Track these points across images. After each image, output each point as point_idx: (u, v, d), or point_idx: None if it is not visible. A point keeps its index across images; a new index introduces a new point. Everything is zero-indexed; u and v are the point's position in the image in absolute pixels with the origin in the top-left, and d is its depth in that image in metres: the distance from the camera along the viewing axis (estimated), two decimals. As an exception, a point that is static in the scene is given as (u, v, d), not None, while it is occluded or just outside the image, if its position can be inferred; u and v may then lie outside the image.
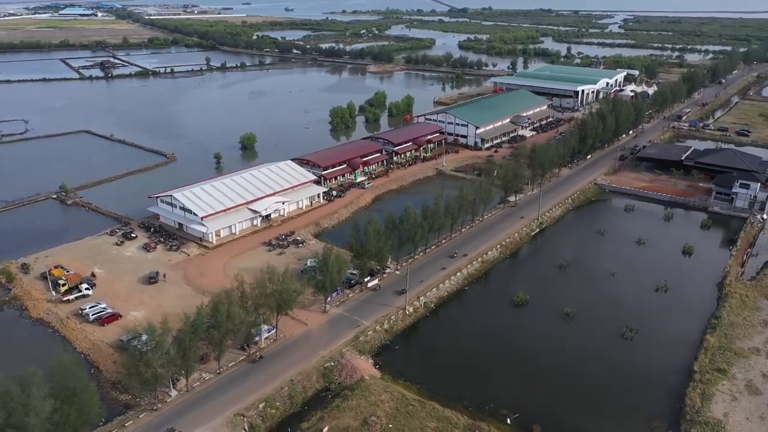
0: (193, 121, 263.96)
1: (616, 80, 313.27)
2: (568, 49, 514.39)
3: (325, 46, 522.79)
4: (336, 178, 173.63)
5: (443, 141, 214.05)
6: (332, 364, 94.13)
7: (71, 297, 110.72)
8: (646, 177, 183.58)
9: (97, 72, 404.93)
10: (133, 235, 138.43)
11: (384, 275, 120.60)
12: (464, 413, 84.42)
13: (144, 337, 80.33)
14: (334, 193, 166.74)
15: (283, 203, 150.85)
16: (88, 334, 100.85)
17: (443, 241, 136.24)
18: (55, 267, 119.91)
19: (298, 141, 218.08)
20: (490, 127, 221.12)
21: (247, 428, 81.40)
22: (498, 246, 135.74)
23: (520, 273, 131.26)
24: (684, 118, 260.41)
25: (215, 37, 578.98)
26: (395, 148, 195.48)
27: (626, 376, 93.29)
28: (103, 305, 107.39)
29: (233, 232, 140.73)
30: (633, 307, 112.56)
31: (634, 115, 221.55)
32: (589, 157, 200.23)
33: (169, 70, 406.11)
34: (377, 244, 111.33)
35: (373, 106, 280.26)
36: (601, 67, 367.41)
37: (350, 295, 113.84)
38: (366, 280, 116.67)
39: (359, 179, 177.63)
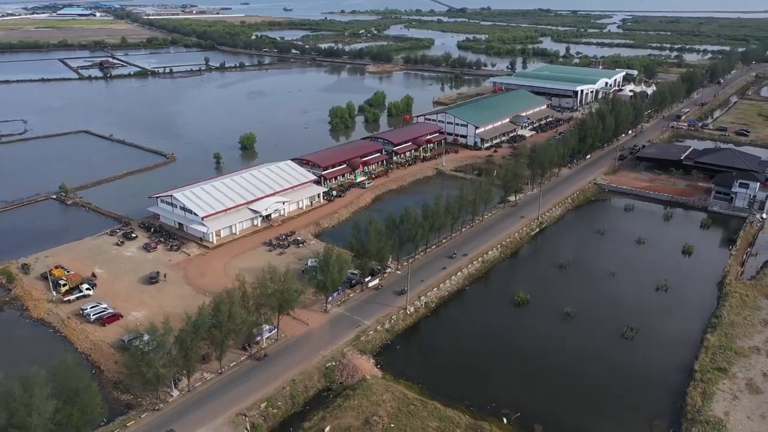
0: (193, 121, 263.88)
1: (615, 80, 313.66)
2: (567, 49, 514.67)
3: (323, 46, 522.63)
4: (336, 178, 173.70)
5: (443, 141, 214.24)
6: (334, 363, 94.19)
7: (72, 297, 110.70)
8: (646, 177, 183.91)
9: (95, 72, 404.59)
10: (134, 235, 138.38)
11: (385, 275, 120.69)
12: (466, 413, 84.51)
13: (146, 337, 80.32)
14: (334, 193, 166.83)
15: (284, 203, 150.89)
16: (89, 334, 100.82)
17: (443, 241, 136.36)
18: (56, 267, 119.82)
19: (298, 141, 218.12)
20: (490, 126, 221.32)
21: (249, 428, 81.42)
22: (498, 246, 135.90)
23: (520, 273, 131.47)
24: (683, 117, 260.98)
25: (214, 37, 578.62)
26: (395, 148, 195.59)
27: (627, 375, 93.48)
28: (104, 305, 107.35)
29: (233, 232, 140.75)
30: (633, 306, 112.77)
31: (633, 114, 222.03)
32: (588, 156, 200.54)
33: (167, 70, 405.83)
34: (378, 244, 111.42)
35: (373, 106, 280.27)
36: (600, 67, 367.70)
37: (351, 295, 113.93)
38: (367, 279, 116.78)
39: (359, 179, 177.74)
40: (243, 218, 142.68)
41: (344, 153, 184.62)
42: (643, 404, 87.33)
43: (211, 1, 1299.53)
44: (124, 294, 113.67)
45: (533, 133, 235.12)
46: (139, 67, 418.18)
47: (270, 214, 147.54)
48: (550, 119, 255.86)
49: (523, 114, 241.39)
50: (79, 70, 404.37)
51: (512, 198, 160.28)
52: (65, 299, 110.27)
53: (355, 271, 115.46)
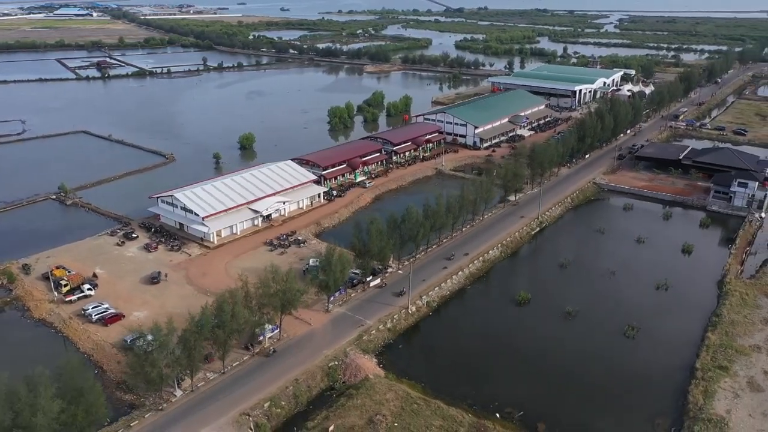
0: (191, 121, 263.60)
1: (613, 80, 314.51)
2: (564, 49, 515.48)
3: (321, 46, 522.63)
4: (336, 178, 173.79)
5: (442, 140, 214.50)
6: (336, 363, 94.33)
7: (73, 297, 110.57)
8: (645, 176, 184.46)
9: (93, 72, 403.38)
10: (134, 235, 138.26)
11: (386, 274, 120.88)
12: (469, 411, 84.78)
13: (149, 337, 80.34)
14: (335, 192, 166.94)
15: (284, 203, 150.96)
16: (91, 334, 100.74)
17: (444, 241, 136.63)
18: (57, 267, 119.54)
19: (297, 141, 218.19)
20: (489, 126, 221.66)
21: (252, 427, 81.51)
22: (499, 245, 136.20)
23: (521, 272, 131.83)
24: (681, 117, 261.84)
25: (211, 37, 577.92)
26: (394, 148, 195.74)
27: (629, 373, 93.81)
28: (106, 305, 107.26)
29: (234, 232, 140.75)
30: (634, 305, 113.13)
31: (632, 114, 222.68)
32: (587, 156, 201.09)
33: (165, 70, 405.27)
34: (380, 243, 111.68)
35: (371, 106, 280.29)
36: (598, 66, 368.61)
37: (353, 295, 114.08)
38: (368, 279, 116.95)
39: (359, 179, 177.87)
40: (244, 218, 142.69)
41: (344, 153, 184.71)
42: (645, 402, 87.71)
43: (208, 0, 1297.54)
44: (125, 294, 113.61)
45: (532, 132, 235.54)
46: (137, 67, 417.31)
47: (270, 214, 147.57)
48: (549, 119, 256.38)
49: (522, 114, 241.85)
50: (77, 71, 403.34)
51: (512, 197, 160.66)
52: (67, 299, 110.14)
53: (357, 271, 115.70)
